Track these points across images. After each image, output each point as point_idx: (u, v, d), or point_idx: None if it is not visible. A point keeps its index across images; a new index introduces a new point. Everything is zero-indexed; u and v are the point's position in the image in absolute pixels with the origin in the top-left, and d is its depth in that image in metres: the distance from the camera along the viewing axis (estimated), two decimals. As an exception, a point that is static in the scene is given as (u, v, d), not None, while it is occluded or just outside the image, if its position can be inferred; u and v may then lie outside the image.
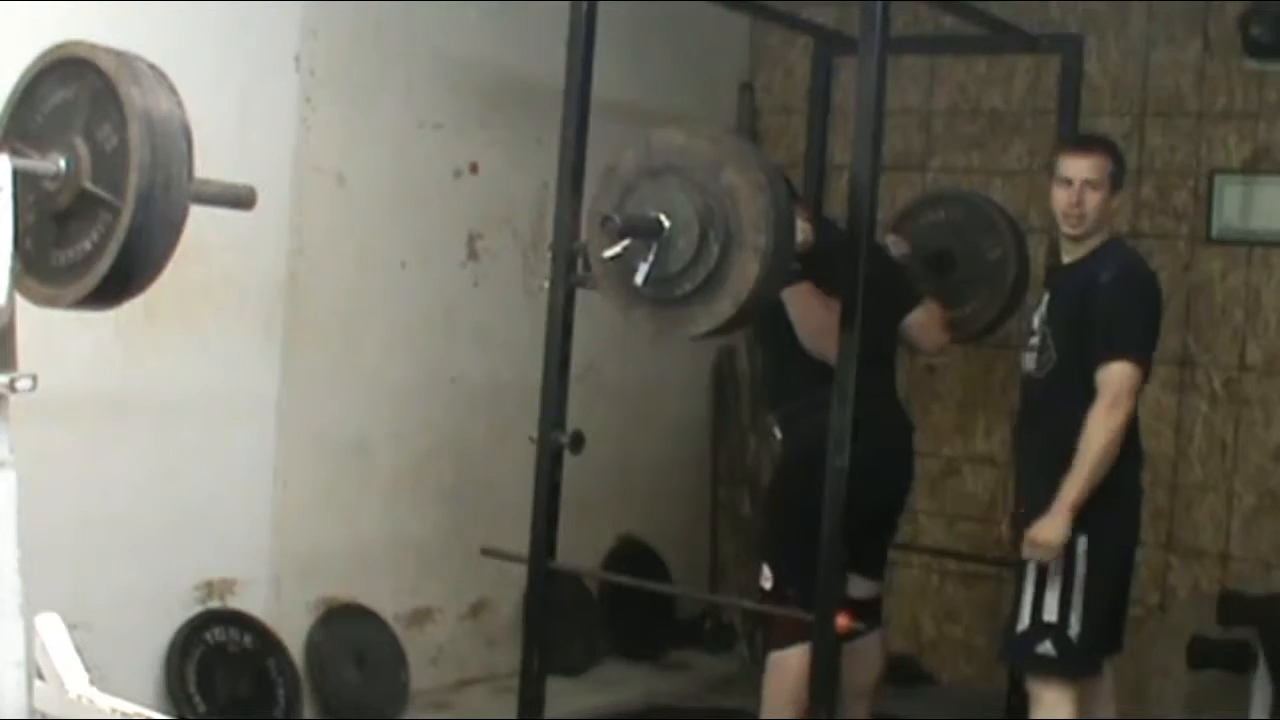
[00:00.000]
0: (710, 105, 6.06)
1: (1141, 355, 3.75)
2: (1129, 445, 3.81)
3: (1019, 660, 3.91)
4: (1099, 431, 3.69)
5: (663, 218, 3.30)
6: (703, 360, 6.12)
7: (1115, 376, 3.70)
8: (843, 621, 3.47)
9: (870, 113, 3.52)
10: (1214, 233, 5.29)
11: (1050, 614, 3.77)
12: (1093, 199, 3.85)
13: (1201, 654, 4.60)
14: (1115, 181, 3.90)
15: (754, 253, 3.23)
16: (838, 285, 3.69)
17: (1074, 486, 3.71)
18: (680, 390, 6.09)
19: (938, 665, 5.78)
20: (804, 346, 4.03)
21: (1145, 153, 5.38)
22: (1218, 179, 5.27)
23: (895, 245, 4.59)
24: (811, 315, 3.98)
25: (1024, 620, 3.83)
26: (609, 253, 3.34)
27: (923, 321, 4.35)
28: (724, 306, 3.28)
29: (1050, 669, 3.80)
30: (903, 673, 5.56)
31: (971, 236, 4.88)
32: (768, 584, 4.11)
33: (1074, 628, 3.76)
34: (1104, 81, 5.43)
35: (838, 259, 3.64)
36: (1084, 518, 3.73)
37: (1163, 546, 5.30)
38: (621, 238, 3.31)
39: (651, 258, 3.30)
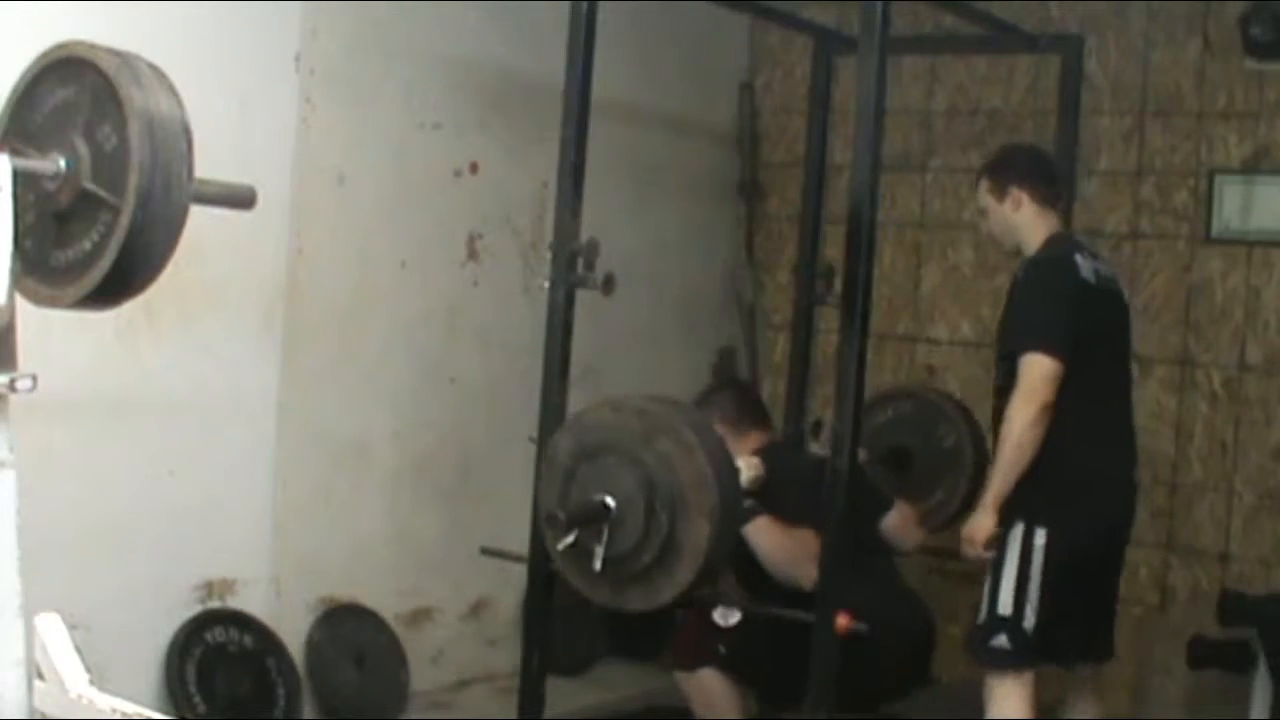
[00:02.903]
0: (710, 105, 6.07)
1: (1049, 345, 3.74)
2: (1086, 436, 3.82)
3: (975, 654, 3.92)
4: (1010, 423, 3.76)
5: (608, 499, 3.34)
6: (703, 361, 6.12)
7: (1025, 368, 3.75)
8: (843, 622, 3.48)
9: (870, 113, 3.52)
10: (1214, 233, 5.28)
11: (1005, 607, 3.79)
12: (988, 221, 4.06)
13: (1201, 654, 4.60)
14: (998, 193, 3.99)
15: (701, 514, 3.27)
16: (797, 513, 3.76)
17: (994, 481, 3.81)
18: (680, 390, 6.06)
19: (938, 665, 5.75)
20: (775, 578, 4.02)
21: (1145, 153, 5.38)
22: (1218, 179, 5.27)
23: None
24: (777, 548, 4.00)
25: (982, 614, 3.86)
26: (562, 544, 3.38)
27: (897, 523, 4.33)
28: (684, 572, 3.32)
29: (1004, 662, 3.82)
30: (903, 673, 5.55)
31: (922, 429, 4.87)
32: (726, 620, 4.12)
33: (1029, 620, 3.77)
34: (1104, 81, 5.43)
35: (793, 485, 3.67)
36: (1040, 510, 3.77)
37: (1163, 546, 5.30)
38: (571, 530, 3.36)
39: (604, 540, 3.34)
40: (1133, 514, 4.11)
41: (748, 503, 3.71)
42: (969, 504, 4.79)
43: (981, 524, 3.82)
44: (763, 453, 4.16)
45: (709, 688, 4.09)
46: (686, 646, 4.17)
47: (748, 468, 3.81)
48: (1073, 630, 3.88)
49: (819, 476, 3.57)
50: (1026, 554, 3.77)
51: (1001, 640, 3.80)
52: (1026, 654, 3.80)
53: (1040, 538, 3.76)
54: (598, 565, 3.34)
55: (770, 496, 3.97)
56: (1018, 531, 3.79)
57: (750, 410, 4.36)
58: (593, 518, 3.34)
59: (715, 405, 4.29)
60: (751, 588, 4.19)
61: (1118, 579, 4.14)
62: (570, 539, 3.36)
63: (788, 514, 3.96)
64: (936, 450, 4.82)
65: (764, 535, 3.98)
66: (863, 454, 4.58)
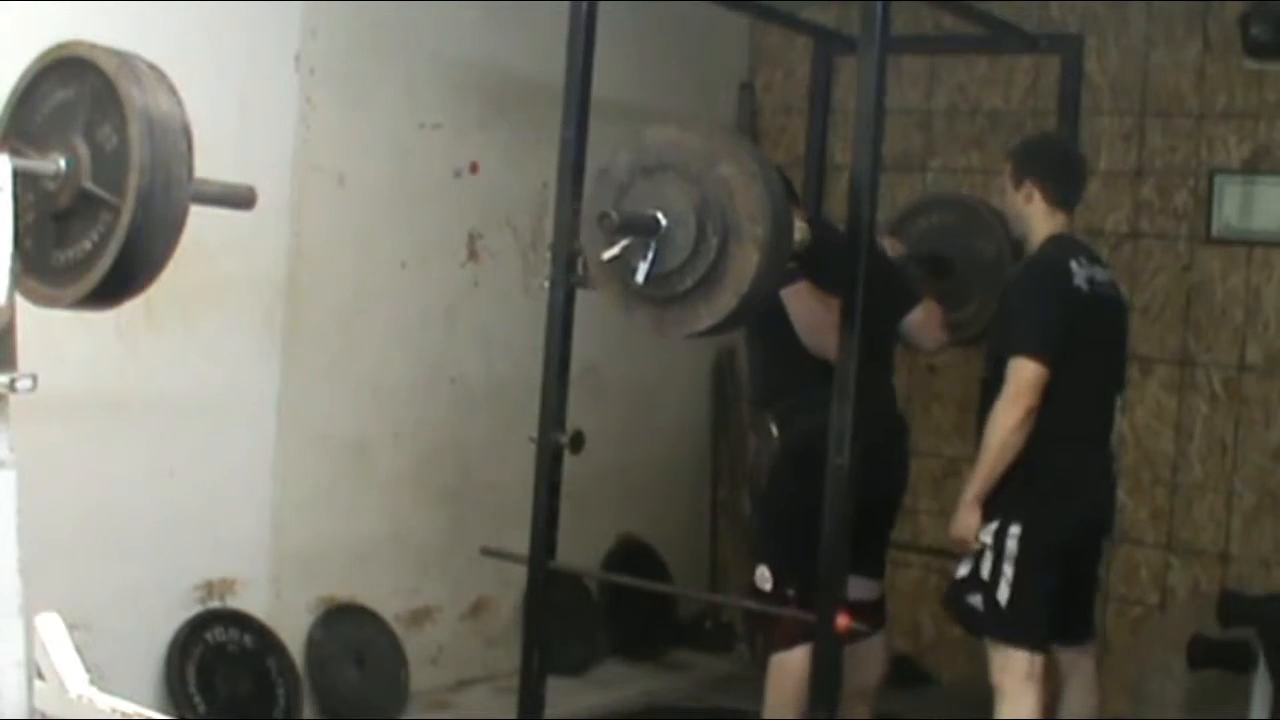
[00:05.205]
0: (710, 105, 6.06)
1: (1038, 351, 3.79)
2: (1064, 439, 3.86)
3: (950, 607, 4.03)
4: (994, 425, 3.83)
5: (660, 215, 3.28)
6: (703, 360, 6.12)
7: (1013, 372, 3.80)
8: (843, 621, 3.47)
9: (870, 113, 3.52)
10: (1214, 233, 5.28)
11: (984, 572, 3.88)
12: (1005, 200, 4.13)
13: (1201, 654, 4.60)
14: (1015, 180, 4.03)
15: (753, 243, 3.21)
16: (835, 284, 3.69)
17: (974, 479, 3.89)
18: (680, 390, 6.09)
19: (938, 665, 5.77)
20: (804, 345, 4.03)
21: (1145, 153, 5.38)
22: (1218, 179, 5.27)
23: (892, 248, 4.58)
24: (811, 314, 3.98)
25: (963, 570, 3.94)
26: (607, 255, 3.31)
27: (921, 320, 4.35)
28: (726, 300, 3.25)
29: (975, 622, 3.93)
30: (903, 673, 5.56)
31: (966, 240, 4.86)
32: (767, 585, 4.11)
33: (1003, 593, 3.85)
34: (1104, 81, 5.43)
35: (835, 258, 3.64)
36: (1017, 508, 3.84)
37: (1163, 546, 5.30)
38: (619, 235, 3.29)
39: (650, 255, 3.28)
40: (1112, 507, 4.18)
41: (790, 265, 3.62)
42: None
43: (966, 522, 3.90)
44: (809, 221, 4.09)
45: (795, 667, 4.03)
46: (785, 627, 4.13)
47: (797, 230, 3.64)
48: (1049, 615, 3.92)
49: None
50: (1000, 546, 3.85)
51: (976, 600, 3.89)
52: (998, 624, 3.88)
53: (1015, 529, 3.84)
54: (639, 278, 3.28)
55: (811, 264, 3.90)
56: (992, 527, 3.87)
57: (790, 187, 4.26)
58: (643, 228, 3.27)
59: None
60: (775, 355, 4.20)
61: (1096, 567, 4.21)
62: (616, 250, 3.29)
63: (825, 284, 3.91)
64: (977, 262, 4.79)
65: (801, 300, 3.96)
66: (901, 248, 4.60)
